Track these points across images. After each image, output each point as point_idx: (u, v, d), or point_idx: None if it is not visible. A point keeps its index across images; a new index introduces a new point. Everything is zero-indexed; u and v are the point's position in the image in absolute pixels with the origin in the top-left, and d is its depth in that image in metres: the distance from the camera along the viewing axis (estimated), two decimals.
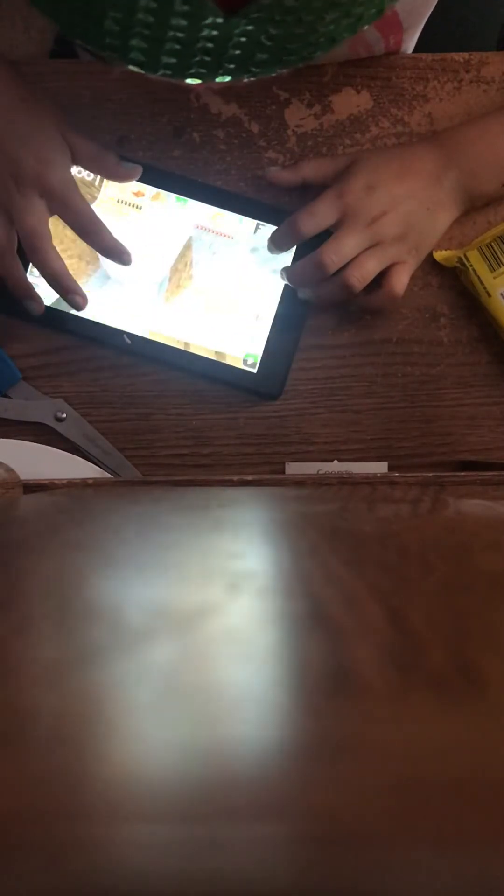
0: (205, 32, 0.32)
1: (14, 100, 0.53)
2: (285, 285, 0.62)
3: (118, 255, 0.58)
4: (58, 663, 0.13)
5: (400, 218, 0.57)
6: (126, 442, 0.63)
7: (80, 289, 0.58)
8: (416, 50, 0.65)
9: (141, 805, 0.08)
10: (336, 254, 0.56)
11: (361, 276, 0.57)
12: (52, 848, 0.07)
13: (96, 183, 0.60)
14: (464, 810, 0.08)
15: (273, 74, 0.36)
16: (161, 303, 0.62)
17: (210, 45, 0.33)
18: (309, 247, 0.59)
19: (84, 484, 0.48)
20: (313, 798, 0.08)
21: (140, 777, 0.09)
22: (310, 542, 0.25)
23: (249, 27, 0.32)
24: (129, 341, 0.62)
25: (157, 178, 0.60)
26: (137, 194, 0.61)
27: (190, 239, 0.61)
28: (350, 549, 0.24)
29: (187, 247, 0.62)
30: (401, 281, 0.59)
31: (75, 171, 0.59)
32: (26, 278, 0.57)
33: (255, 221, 0.62)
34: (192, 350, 0.62)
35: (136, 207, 0.61)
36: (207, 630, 0.15)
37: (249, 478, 0.50)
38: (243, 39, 0.33)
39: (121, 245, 0.57)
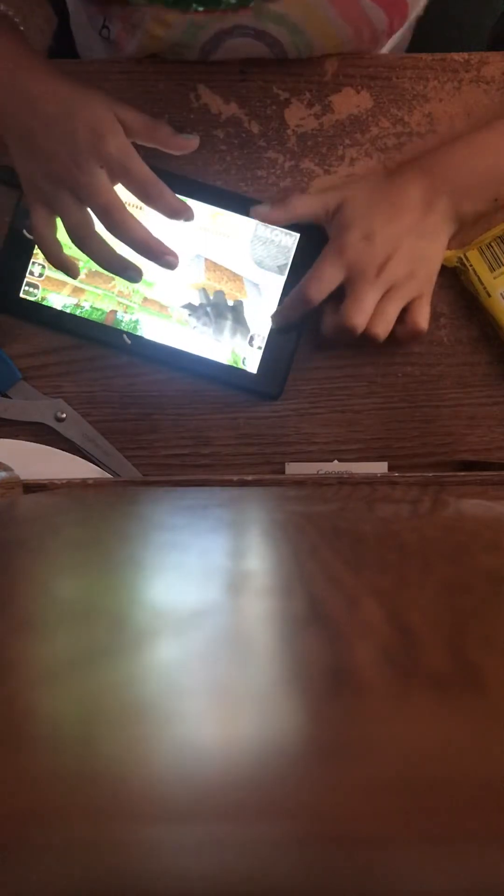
0: None
1: (57, 80, 0.53)
2: (285, 285, 0.62)
3: (184, 214, 0.57)
4: (58, 663, 0.13)
5: (405, 257, 0.57)
6: (126, 442, 0.63)
7: (169, 248, 0.56)
8: (412, 50, 0.65)
9: (142, 806, 0.08)
10: (360, 313, 0.57)
11: (385, 325, 0.58)
12: (57, 848, 0.07)
13: None
14: (464, 810, 0.08)
15: None
16: (161, 302, 0.62)
17: None
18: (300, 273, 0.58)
19: (84, 484, 0.48)
20: (313, 798, 0.08)
21: (141, 778, 0.09)
22: (310, 542, 0.25)
23: None
24: (128, 341, 0.62)
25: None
26: None
27: (191, 239, 0.61)
28: (350, 549, 0.24)
29: (190, 247, 0.62)
30: (423, 315, 0.59)
31: None
32: (115, 252, 0.56)
33: (256, 221, 0.62)
34: (191, 350, 0.62)
35: (137, 207, 0.61)
36: (207, 630, 0.15)
37: (249, 478, 0.50)
38: None
39: (184, 204, 0.56)
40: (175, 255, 0.56)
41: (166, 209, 0.56)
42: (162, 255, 0.55)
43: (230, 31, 0.58)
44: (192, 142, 0.57)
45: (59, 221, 0.56)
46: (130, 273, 0.56)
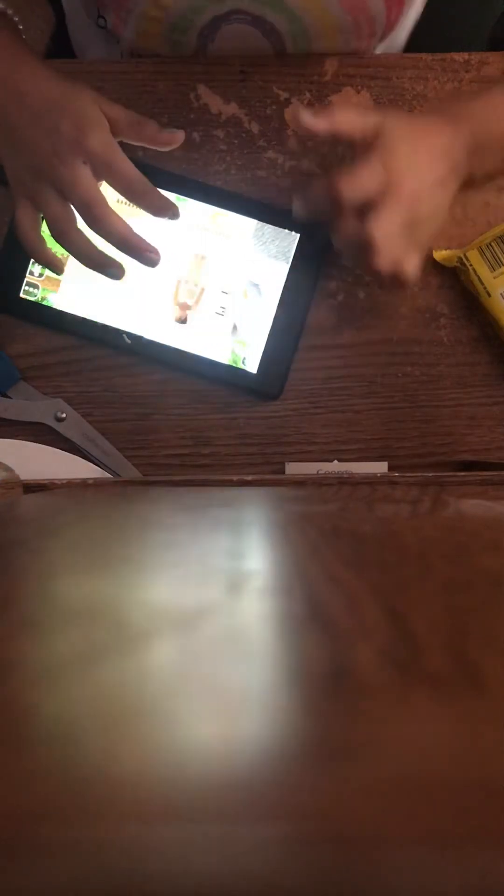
0: None
1: (48, 76, 0.53)
2: (284, 286, 0.62)
3: (168, 212, 0.55)
4: (59, 664, 0.13)
5: (429, 201, 0.55)
6: (126, 442, 0.63)
7: (151, 245, 0.54)
8: (411, 50, 0.65)
9: (142, 806, 0.08)
10: (384, 234, 0.54)
11: (394, 258, 0.55)
12: (56, 848, 0.07)
13: None
14: (464, 810, 0.08)
15: None
16: (161, 302, 0.62)
17: None
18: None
19: (84, 484, 0.48)
20: (314, 798, 0.08)
21: (141, 778, 0.09)
22: (310, 542, 0.25)
23: None
24: (128, 341, 0.62)
25: (157, 178, 0.60)
26: None
27: (191, 239, 0.61)
28: (350, 549, 0.24)
29: (189, 247, 0.62)
30: (416, 266, 0.57)
31: None
32: (96, 248, 0.54)
33: (255, 221, 0.62)
34: (192, 350, 0.62)
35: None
36: (207, 630, 0.15)
37: (249, 478, 0.50)
38: None
39: (169, 202, 0.55)
40: (157, 253, 0.55)
41: (151, 206, 0.54)
42: (143, 252, 0.54)
43: (227, 15, 0.58)
44: (177, 136, 0.55)
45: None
46: (112, 270, 0.55)
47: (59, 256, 0.58)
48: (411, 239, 0.56)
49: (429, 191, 0.55)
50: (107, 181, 0.54)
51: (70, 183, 0.52)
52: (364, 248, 0.55)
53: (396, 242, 0.55)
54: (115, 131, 0.54)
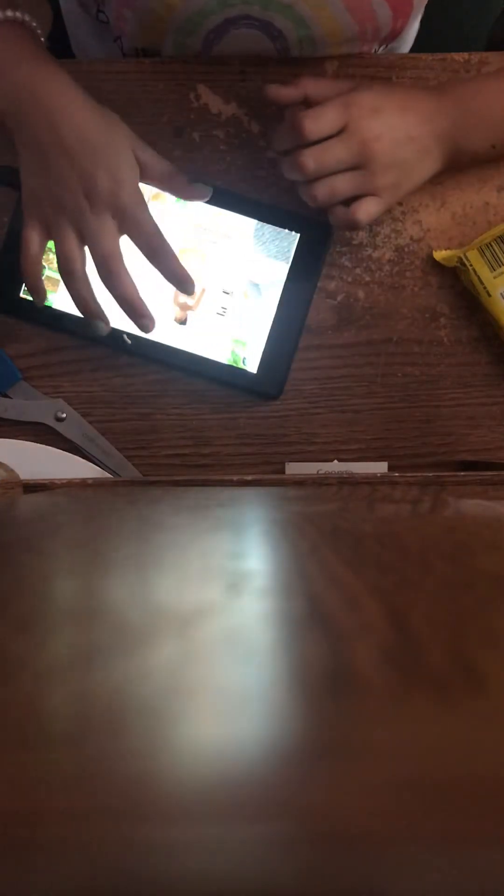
0: None
1: (86, 115, 0.53)
2: (285, 285, 0.62)
3: (183, 283, 0.57)
4: (59, 664, 0.13)
5: (393, 148, 0.56)
6: (126, 442, 0.63)
7: (150, 312, 0.57)
8: (411, 50, 0.65)
9: (141, 806, 0.08)
10: (317, 161, 0.54)
11: (327, 192, 0.56)
12: (57, 849, 0.07)
13: None
14: (464, 810, 0.08)
15: None
16: (161, 303, 0.62)
17: None
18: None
19: (84, 484, 0.48)
20: (313, 798, 0.08)
21: (140, 778, 0.09)
22: (310, 542, 0.25)
23: None
24: (129, 341, 0.62)
25: None
26: None
27: (191, 239, 0.61)
28: (350, 549, 0.24)
29: (190, 247, 0.62)
30: (368, 211, 0.57)
31: None
32: (96, 299, 0.56)
33: (255, 221, 0.62)
34: (192, 350, 0.62)
35: None
36: (207, 630, 0.15)
37: (249, 478, 0.50)
38: None
39: (187, 273, 0.56)
40: (152, 320, 0.57)
41: (169, 273, 0.56)
42: (141, 317, 0.56)
43: (236, 20, 0.58)
44: (205, 191, 0.57)
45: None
46: (99, 322, 0.57)
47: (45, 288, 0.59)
48: (366, 182, 0.56)
49: (394, 141, 0.56)
50: (131, 238, 0.55)
51: (96, 234, 0.53)
52: (295, 171, 0.55)
53: (341, 177, 0.55)
54: (144, 175, 0.54)
